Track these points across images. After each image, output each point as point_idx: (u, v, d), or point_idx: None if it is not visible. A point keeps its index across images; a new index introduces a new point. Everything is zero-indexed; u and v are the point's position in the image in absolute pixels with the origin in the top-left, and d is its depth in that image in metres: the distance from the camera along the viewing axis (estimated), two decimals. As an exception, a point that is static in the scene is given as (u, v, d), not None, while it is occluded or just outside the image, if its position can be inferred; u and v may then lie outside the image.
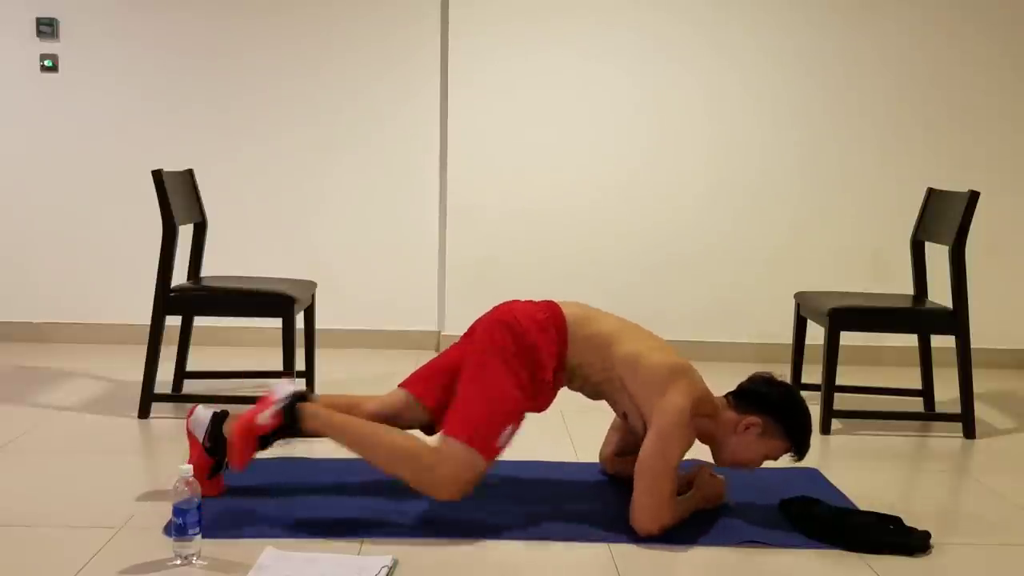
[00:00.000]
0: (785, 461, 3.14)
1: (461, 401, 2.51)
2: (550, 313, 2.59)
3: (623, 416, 2.64)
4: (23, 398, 3.68)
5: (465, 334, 2.69)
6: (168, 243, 3.42)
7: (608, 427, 2.99)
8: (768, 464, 3.04)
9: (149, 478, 2.82)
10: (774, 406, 2.56)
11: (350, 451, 2.53)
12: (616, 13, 4.55)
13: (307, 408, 2.53)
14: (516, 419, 2.52)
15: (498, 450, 2.49)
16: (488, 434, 2.47)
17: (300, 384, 2.62)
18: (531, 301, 2.66)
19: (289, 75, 4.62)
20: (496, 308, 2.64)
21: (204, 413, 2.62)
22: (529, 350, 2.52)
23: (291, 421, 2.49)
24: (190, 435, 2.62)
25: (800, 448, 2.59)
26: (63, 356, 4.41)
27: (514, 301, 2.67)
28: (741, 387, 2.64)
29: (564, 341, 2.57)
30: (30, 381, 3.95)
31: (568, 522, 2.56)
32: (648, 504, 2.44)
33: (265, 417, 2.47)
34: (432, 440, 2.54)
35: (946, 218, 3.56)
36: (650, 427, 2.48)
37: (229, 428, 2.56)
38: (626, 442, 2.89)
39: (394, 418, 2.64)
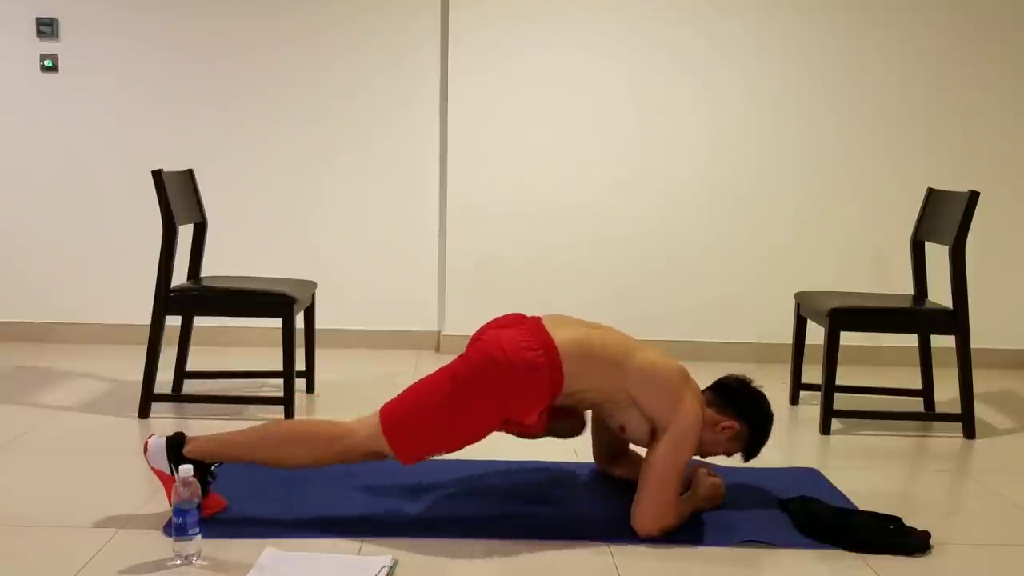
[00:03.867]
0: (785, 460, 3.15)
1: (418, 412, 2.44)
2: (544, 348, 2.44)
3: (620, 428, 2.59)
4: (23, 398, 3.68)
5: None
6: (168, 243, 3.42)
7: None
8: (768, 464, 3.05)
9: (149, 478, 2.82)
10: (751, 416, 2.64)
11: (260, 461, 2.49)
12: (617, 12, 4.55)
13: (192, 449, 2.46)
14: (452, 450, 2.51)
15: (414, 462, 2.48)
16: (419, 451, 2.47)
17: (159, 439, 2.50)
18: (521, 330, 2.50)
19: (289, 75, 4.62)
20: (484, 336, 2.53)
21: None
22: (515, 396, 2.43)
23: (198, 472, 2.40)
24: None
25: (752, 454, 2.70)
26: (63, 356, 4.41)
27: (502, 330, 2.52)
28: (723, 385, 2.68)
29: (559, 380, 2.45)
30: (30, 381, 3.95)
31: (568, 522, 2.56)
32: (653, 506, 2.44)
33: (197, 489, 2.28)
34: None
35: (946, 218, 3.56)
36: (664, 432, 2.47)
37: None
38: (614, 445, 2.90)
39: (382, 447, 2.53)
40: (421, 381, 2.52)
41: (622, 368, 2.49)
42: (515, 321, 2.59)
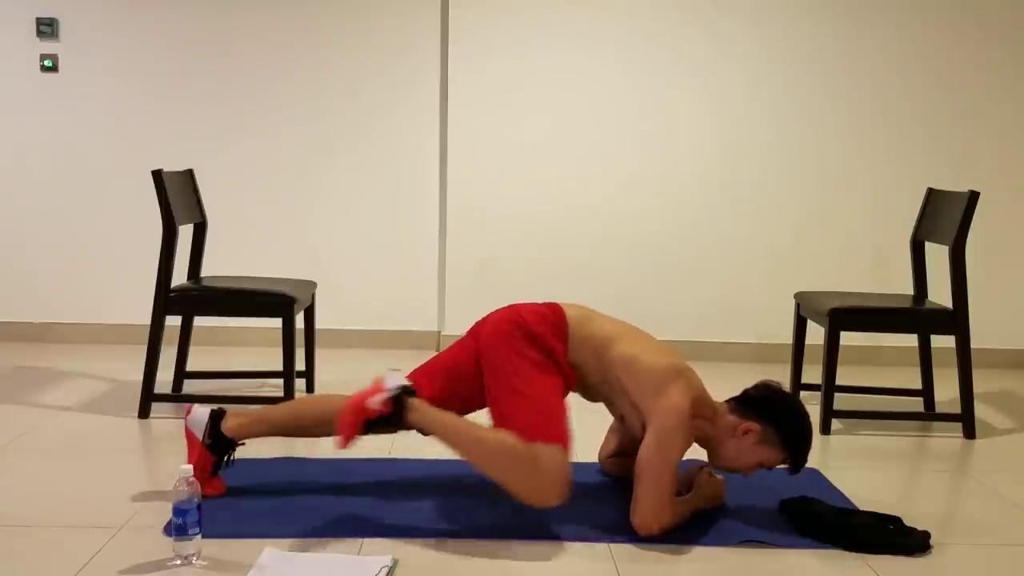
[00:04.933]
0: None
1: (514, 410, 2.49)
2: (552, 311, 2.62)
3: (620, 419, 2.64)
4: (23, 398, 3.68)
5: (469, 333, 2.70)
6: (168, 243, 3.43)
7: (607, 429, 2.99)
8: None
9: (149, 478, 2.82)
10: (774, 415, 2.54)
11: (450, 449, 2.52)
12: (617, 12, 4.55)
13: (413, 401, 2.52)
14: (563, 399, 2.55)
15: (570, 434, 2.50)
16: (558, 425, 2.47)
17: (405, 379, 2.61)
18: (534, 302, 2.69)
19: (289, 75, 4.62)
20: (500, 310, 2.67)
21: (202, 412, 2.63)
22: (537, 338, 2.55)
23: (398, 410, 2.48)
24: (189, 434, 2.63)
25: (796, 460, 2.56)
26: (63, 356, 4.41)
27: (517, 304, 2.70)
28: (745, 393, 2.64)
29: (564, 339, 2.59)
30: (30, 381, 3.95)
31: (568, 522, 2.56)
32: (648, 504, 2.44)
33: (375, 402, 2.45)
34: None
35: (946, 218, 3.56)
36: (649, 427, 2.48)
37: (228, 425, 2.62)
38: (624, 443, 2.89)
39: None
40: (503, 397, 2.52)
41: (608, 350, 2.57)
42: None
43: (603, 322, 2.65)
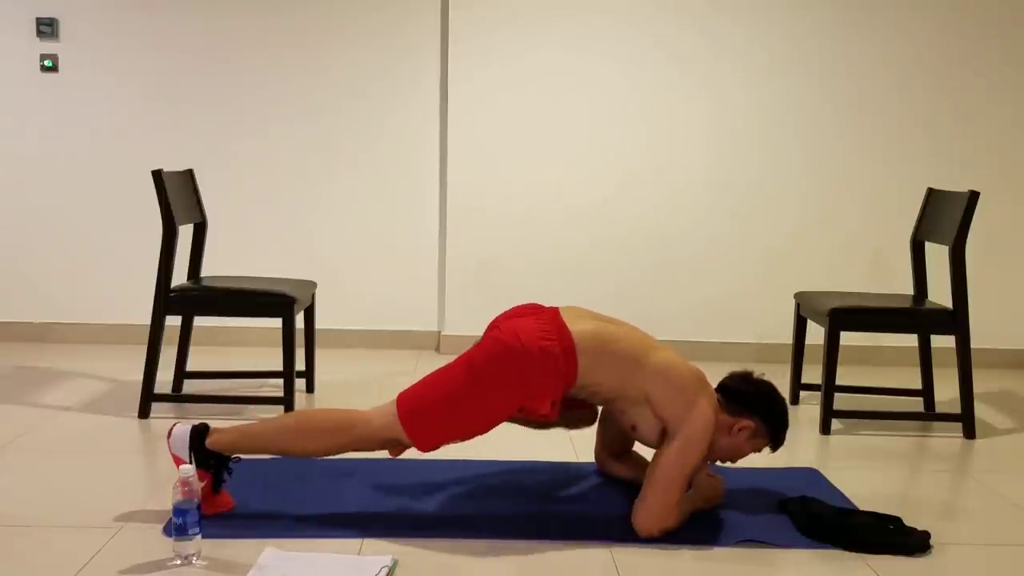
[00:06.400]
0: (785, 460, 3.15)
1: (434, 400, 2.46)
2: (559, 338, 2.45)
3: (632, 428, 2.59)
4: (23, 398, 3.68)
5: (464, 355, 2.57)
6: (168, 243, 3.43)
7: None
8: (768, 464, 3.06)
9: (149, 478, 2.82)
10: (761, 408, 2.61)
11: (282, 452, 2.53)
12: (616, 13, 4.55)
13: (215, 441, 2.48)
14: (468, 438, 2.52)
15: (431, 450, 2.50)
16: (436, 439, 2.48)
17: (184, 427, 2.52)
18: (538, 319, 2.51)
19: (289, 75, 4.62)
20: (501, 325, 2.52)
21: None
22: (529, 384, 2.44)
23: (215, 465, 2.47)
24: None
25: (778, 444, 2.67)
26: (63, 356, 4.41)
27: (518, 319, 2.53)
28: (725, 386, 2.66)
29: (573, 370, 2.46)
30: (30, 381, 3.95)
31: (568, 522, 2.56)
32: (657, 507, 2.44)
33: (196, 488, 2.28)
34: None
35: (946, 218, 3.56)
36: (675, 434, 2.46)
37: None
38: (619, 443, 2.89)
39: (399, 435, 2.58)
40: (438, 370, 2.53)
41: (640, 365, 2.49)
42: (532, 311, 2.58)
43: (623, 335, 2.52)
